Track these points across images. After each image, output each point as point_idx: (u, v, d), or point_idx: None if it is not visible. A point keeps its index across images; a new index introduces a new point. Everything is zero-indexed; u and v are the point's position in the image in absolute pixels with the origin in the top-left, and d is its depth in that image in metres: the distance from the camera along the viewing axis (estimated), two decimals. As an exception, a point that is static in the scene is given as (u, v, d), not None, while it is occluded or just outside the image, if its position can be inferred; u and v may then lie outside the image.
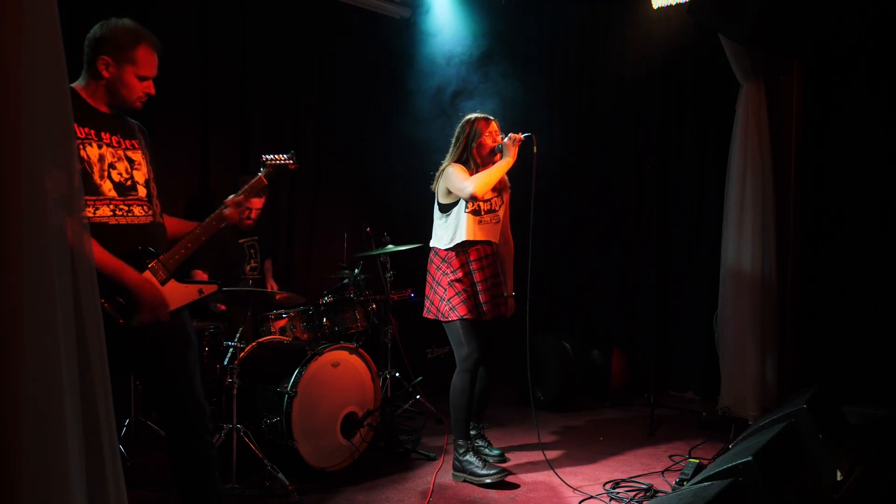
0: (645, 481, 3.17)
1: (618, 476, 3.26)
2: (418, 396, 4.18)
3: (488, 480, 3.14)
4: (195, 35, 4.35)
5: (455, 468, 3.27)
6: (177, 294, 2.21)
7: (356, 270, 4.17)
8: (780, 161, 4.11)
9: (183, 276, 2.29)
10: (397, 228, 4.42)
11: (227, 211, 2.37)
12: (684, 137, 4.81)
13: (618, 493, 3.07)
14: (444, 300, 3.25)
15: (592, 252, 5.33)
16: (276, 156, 2.54)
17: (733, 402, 4.09)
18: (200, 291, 2.30)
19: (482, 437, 3.60)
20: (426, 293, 3.39)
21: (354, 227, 4.65)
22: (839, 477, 2.51)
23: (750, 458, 2.02)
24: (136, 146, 2.26)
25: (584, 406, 4.56)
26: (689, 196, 4.77)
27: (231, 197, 2.42)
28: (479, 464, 3.20)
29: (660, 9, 4.44)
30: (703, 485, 2.05)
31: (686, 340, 4.77)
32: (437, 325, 3.36)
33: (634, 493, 3.06)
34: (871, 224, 3.92)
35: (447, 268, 3.28)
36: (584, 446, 3.78)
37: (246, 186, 2.45)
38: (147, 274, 2.14)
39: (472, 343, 3.22)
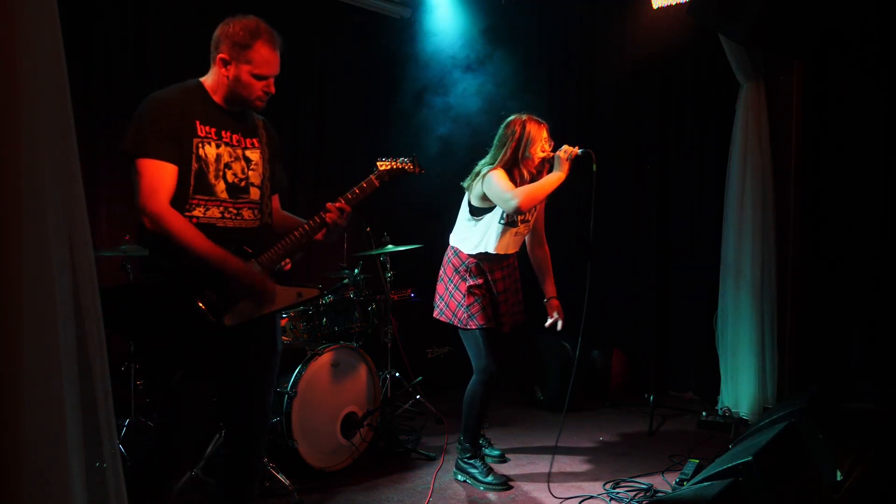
0: (645, 481, 3.17)
1: (618, 476, 3.26)
2: (418, 396, 4.18)
3: (482, 488, 3.13)
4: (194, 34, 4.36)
5: (457, 467, 3.28)
6: (275, 297, 2.11)
7: (356, 270, 4.17)
8: (780, 161, 4.10)
9: None
10: (397, 228, 4.42)
11: (328, 215, 2.21)
12: (684, 137, 4.81)
13: (618, 493, 3.06)
14: (463, 307, 3.11)
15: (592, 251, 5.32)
16: (397, 158, 2.37)
17: (733, 402, 4.10)
18: (299, 295, 2.16)
19: (482, 437, 3.60)
20: (439, 291, 3.25)
21: (354, 227, 4.65)
22: (839, 477, 2.50)
23: (750, 458, 2.02)
24: (256, 145, 2.20)
25: (584, 406, 4.56)
26: (689, 196, 4.77)
27: (337, 200, 2.23)
28: (484, 470, 3.18)
29: (660, 9, 4.44)
30: (703, 485, 2.05)
31: (686, 340, 4.77)
32: (438, 325, 3.34)
33: (634, 493, 3.06)
34: (872, 223, 3.92)
35: (466, 273, 3.14)
36: (584, 446, 3.78)
37: (354, 190, 2.26)
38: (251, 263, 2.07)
39: (492, 356, 3.12)
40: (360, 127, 5.44)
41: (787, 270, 4.11)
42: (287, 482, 2.96)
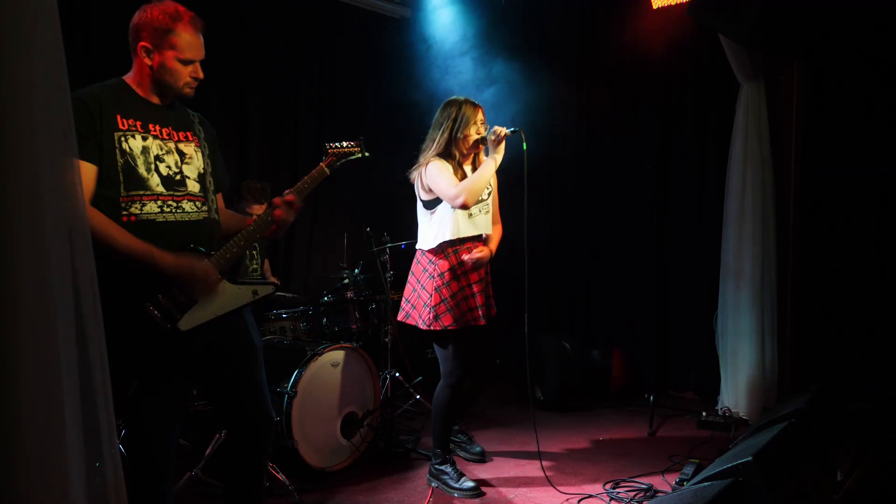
0: (645, 481, 3.17)
1: (618, 476, 3.26)
2: (418, 396, 4.18)
3: (457, 495, 3.06)
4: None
5: (430, 473, 3.21)
6: (230, 296, 2.07)
7: (356, 270, 4.17)
8: (780, 161, 4.10)
9: None
10: (397, 228, 4.42)
11: (276, 211, 2.14)
12: (684, 137, 4.81)
13: (618, 493, 3.06)
14: (428, 307, 3.01)
15: (592, 252, 5.33)
16: (343, 143, 2.31)
17: (733, 402, 4.10)
18: (255, 293, 2.12)
19: (463, 433, 3.57)
20: (405, 295, 3.17)
21: (354, 227, 4.65)
22: (839, 477, 2.51)
23: (750, 458, 2.02)
24: (191, 138, 2.12)
25: (584, 406, 4.56)
26: (689, 196, 4.77)
27: (285, 193, 2.16)
28: (455, 476, 3.11)
29: (660, 9, 4.44)
30: (703, 485, 2.05)
31: (686, 340, 4.76)
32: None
33: (634, 493, 3.06)
34: (871, 223, 3.92)
35: (434, 270, 3.05)
36: (584, 446, 3.78)
37: (304, 179, 2.22)
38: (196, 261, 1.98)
39: (459, 358, 3.05)
40: (359, 127, 5.43)
41: (787, 270, 4.11)
42: (287, 482, 2.96)
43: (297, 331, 3.90)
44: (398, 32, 5.65)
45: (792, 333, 4.12)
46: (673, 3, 4.34)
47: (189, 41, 2.00)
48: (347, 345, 3.48)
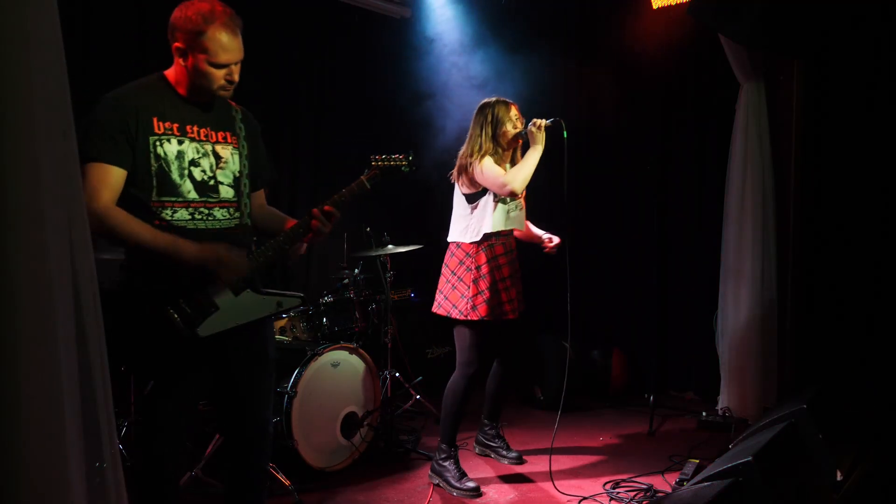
0: (645, 481, 3.17)
1: (618, 476, 3.26)
2: (418, 396, 4.18)
3: (456, 494, 3.06)
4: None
5: (433, 469, 3.21)
6: (252, 305, 2.01)
7: (356, 270, 4.17)
8: (780, 161, 4.10)
9: None
10: (397, 228, 4.42)
11: (313, 221, 2.06)
12: (684, 137, 4.81)
13: (618, 493, 3.06)
14: (466, 298, 3.09)
15: (592, 252, 5.32)
16: (392, 156, 2.19)
17: (733, 402, 4.10)
18: (279, 304, 2.06)
19: (500, 437, 3.58)
20: (440, 287, 3.22)
21: (354, 227, 4.65)
22: (839, 477, 2.51)
23: (750, 458, 2.02)
24: (230, 140, 2.07)
25: (584, 406, 4.56)
26: (689, 196, 4.77)
27: (321, 205, 2.08)
28: (456, 474, 3.11)
29: (660, 9, 4.44)
30: (703, 485, 2.05)
31: (686, 340, 4.77)
32: (438, 325, 3.33)
33: (634, 493, 3.06)
34: (871, 223, 3.91)
35: (472, 263, 3.12)
36: (584, 446, 3.78)
37: (342, 192, 2.12)
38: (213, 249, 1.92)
39: (479, 352, 3.11)
40: (359, 127, 5.44)
41: (787, 270, 4.11)
42: (287, 482, 2.96)
43: (297, 331, 3.90)
44: (398, 32, 5.64)
45: (792, 333, 4.12)
46: (673, 3, 4.34)
47: (222, 43, 1.92)
48: (347, 345, 3.48)
